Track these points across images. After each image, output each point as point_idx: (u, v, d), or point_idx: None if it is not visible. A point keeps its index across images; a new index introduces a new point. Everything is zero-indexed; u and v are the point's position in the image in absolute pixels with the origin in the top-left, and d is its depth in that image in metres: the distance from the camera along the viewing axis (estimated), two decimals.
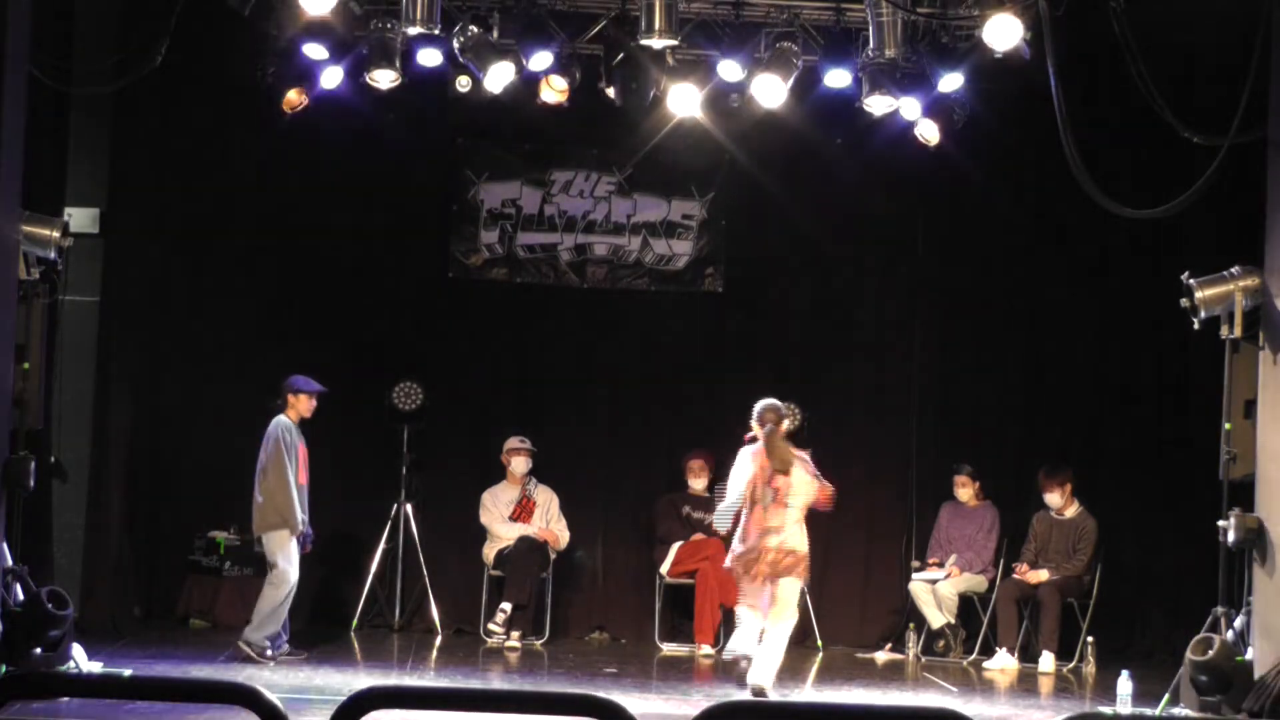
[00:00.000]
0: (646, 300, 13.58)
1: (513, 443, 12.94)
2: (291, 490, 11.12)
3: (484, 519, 12.92)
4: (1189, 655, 9.57)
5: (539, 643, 12.64)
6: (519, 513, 12.92)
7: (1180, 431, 12.68)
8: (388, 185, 13.19)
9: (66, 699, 8.44)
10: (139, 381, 12.79)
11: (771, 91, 11.67)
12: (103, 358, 12.37)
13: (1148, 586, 12.93)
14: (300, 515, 11.15)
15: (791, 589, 10.34)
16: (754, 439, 10.46)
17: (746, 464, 10.38)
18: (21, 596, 9.64)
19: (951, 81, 11.55)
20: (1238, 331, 9.89)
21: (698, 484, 13.05)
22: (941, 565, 12.87)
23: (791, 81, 11.66)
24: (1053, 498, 12.63)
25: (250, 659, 10.91)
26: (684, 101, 11.95)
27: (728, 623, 12.67)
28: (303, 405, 11.36)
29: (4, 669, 9.20)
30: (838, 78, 11.71)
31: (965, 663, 12.50)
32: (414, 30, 11.02)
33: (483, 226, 13.51)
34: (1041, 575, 12.49)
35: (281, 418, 11.31)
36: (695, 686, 11.10)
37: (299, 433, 11.34)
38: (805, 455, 10.59)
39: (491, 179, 13.52)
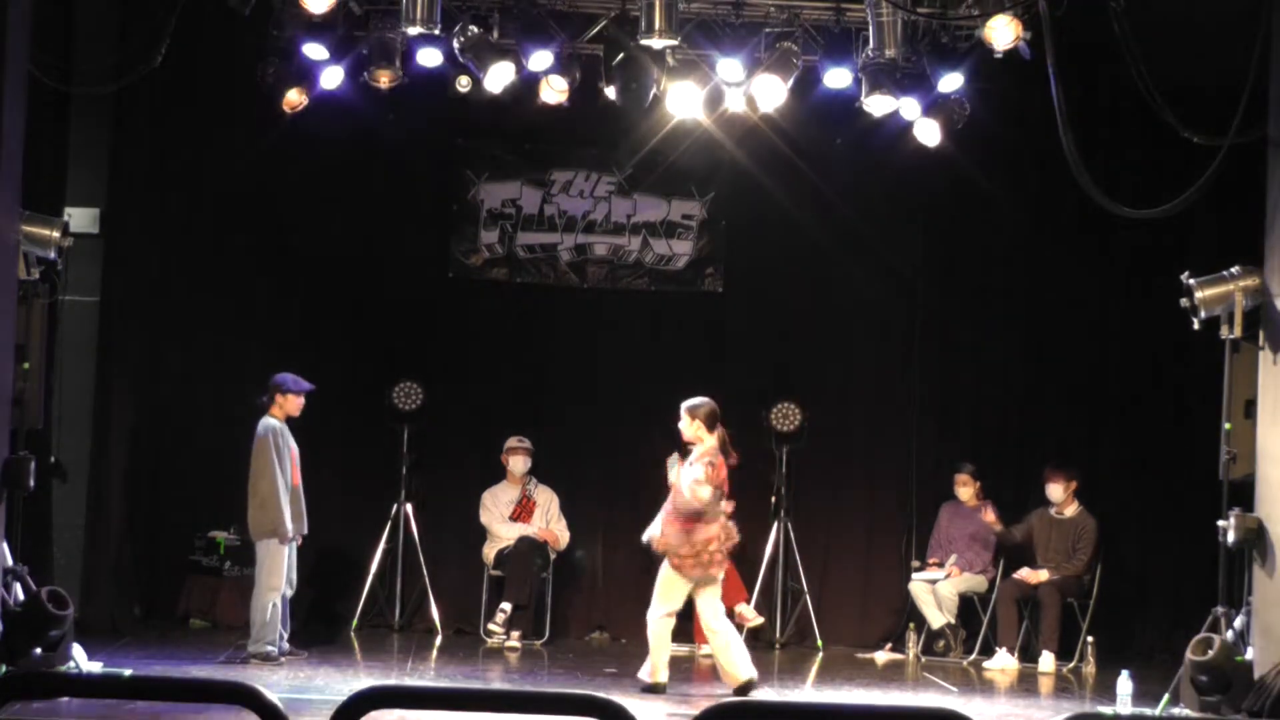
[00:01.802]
0: (646, 300, 13.58)
1: (511, 442, 12.94)
2: (281, 498, 11.03)
3: (484, 519, 12.92)
4: (1189, 655, 9.58)
5: (539, 643, 12.64)
6: (519, 513, 12.92)
7: (1180, 432, 12.68)
8: (388, 185, 13.19)
9: (66, 699, 8.45)
10: (139, 381, 12.79)
11: (771, 91, 11.67)
12: (103, 358, 12.36)
13: (1148, 586, 12.94)
14: (289, 524, 11.07)
15: (662, 574, 10.54)
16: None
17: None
18: (21, 596, 9.65)
19: (951, 81, 11.55)
20: (1238, 331, 9.90)
21: None
22: (941, 565, 12.87)
23: (791, 81, 11.66)
24: (1055, 490, 12.62)
25: (264, 665, 10.91)
26: (684, 101, 11.95)
27: None
28: (291, 405, 11.28)
29: (4, 669, 9.20)
30: (838, 78, 11.71)
31: (965, 663, 12.50)
32: (414, 30, 11.02)
33: (483, 226, 13.51)
34: (1041, 575, 12.49)
35: (269, 420, 11.19)
36: (695, 686, 11.10)
37: (289, 432, 11.29)
38: (703, 459, 10.60)
39: (491, 179, 13.51)
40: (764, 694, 10.59)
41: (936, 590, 12.67)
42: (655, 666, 10.46)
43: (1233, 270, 9.97)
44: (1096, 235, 12.76)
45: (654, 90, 11.64)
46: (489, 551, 12.85)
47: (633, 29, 11.18)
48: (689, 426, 10.64)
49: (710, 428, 10.60)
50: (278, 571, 11.03)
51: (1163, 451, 12.89)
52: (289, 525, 11.05)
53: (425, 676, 11.11)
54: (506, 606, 12.50)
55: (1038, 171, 12.62)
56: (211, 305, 13.06)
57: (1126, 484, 13.07)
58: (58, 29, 11.20)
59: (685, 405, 10.70)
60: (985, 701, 10.89)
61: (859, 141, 12.73)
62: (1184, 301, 10.08)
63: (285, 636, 11.18)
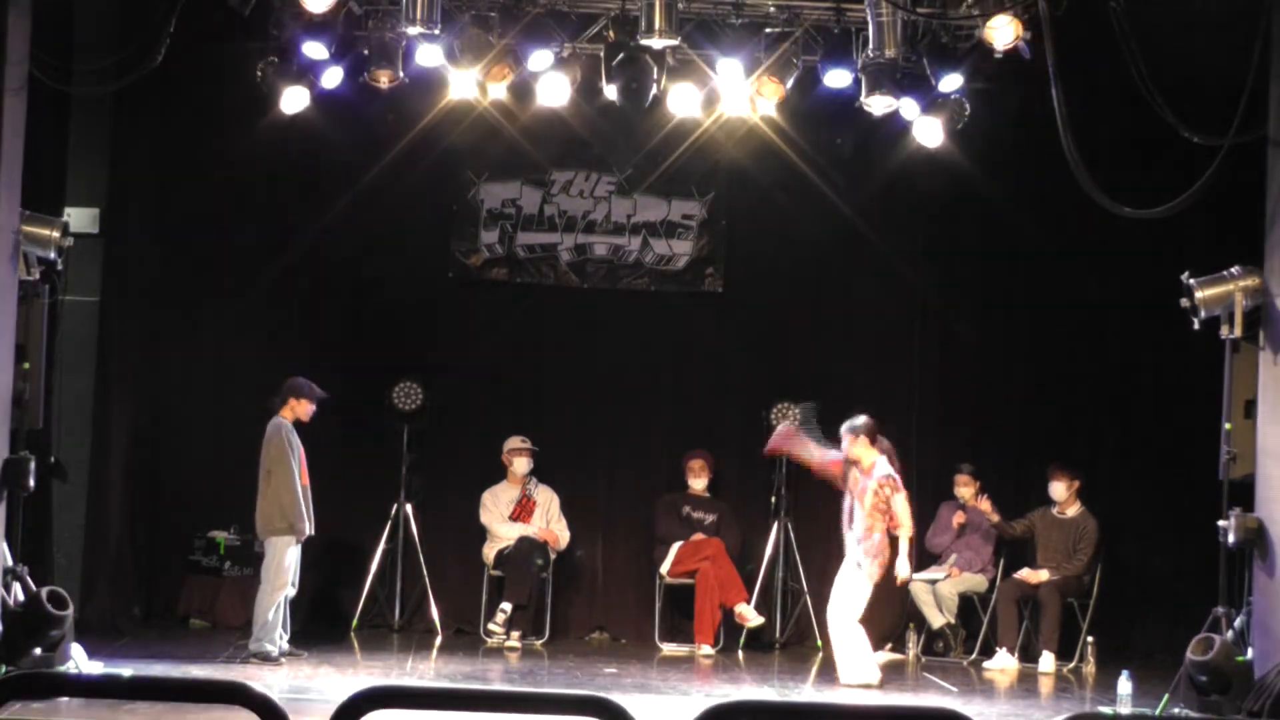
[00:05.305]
0: (646, 300, 13.57)
1: (514, 443, 12.93)
2: (297, 493, 11.07)
3: (484, 519, 12.92)
4: (1189, 655, 9.58)
5: (539, 643, 12.64)
6: (519, 512, 12.92)
7: (1180, 431, 12.67)
8: (388, 185, 13.19)
9: (66, 699, 8.45)
10: (139, 381, 12.79)
11: (771, 91, 11.67)
12: (103, 358, 12.36)
13: (1148, 586, 12.94)
14: (306, 520, 11.11)
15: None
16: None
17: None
18: (21, 596, 9.65)
19: (951, 81, 11.54)
20: (1238, 331, 9.90)
21: (698, 484, 13.05)
22: (941, 565, 12.87)
23: (791, 82, 11.66)
24: (1058, 488, 12.61)
25: (264, 665, 10.91)
26: (684, 101, 11.95)
27: (728, 623, 12.71)
28: (302, 409, 11.30)
29: (4, 669, 9.20)
30: (838, 78, 11.70)
31: (965, 663, 12.50)
32: (414, 30, 11.01)
33: (483, 226, 13.50)
34: (1041, 575, 12.49)
35: (281, 419, 11.25)
36: (695, 686, 11.10)
37: (296, 434, 11.30)
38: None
39: (491, 179, 13.51)
40: (764, 694, 10.59)
41: (936, 590, 12.67)
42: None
43: (1233, 270, 9.97)
44: (1096, 235, 12.75)
45: (654, 90, 11.64)
46: (489, 551, 12.85)
47: (633, 29, 11.18)
48: (854, 447, 11.15)
49: (872, 442, 11.17)
50: (286, 570, 11.05)
51: (1163, 451, 12.89)
52: (305, 519, 11.08)
53: (425, 676, 11.11)
54: (506, 606, 12.50)
55: (1037, 171, 12.60)
56: (211, 305, 13.07)
57: (1127, 484, 13.07)
58: (58, 29, 11.19)
59: (845, 426, 11.19)
60: (985, 702, 10.88)
61: (859, 141, 12.71)
62: (1184, 301, 10.08)
63: (286, 637, 11.19)
